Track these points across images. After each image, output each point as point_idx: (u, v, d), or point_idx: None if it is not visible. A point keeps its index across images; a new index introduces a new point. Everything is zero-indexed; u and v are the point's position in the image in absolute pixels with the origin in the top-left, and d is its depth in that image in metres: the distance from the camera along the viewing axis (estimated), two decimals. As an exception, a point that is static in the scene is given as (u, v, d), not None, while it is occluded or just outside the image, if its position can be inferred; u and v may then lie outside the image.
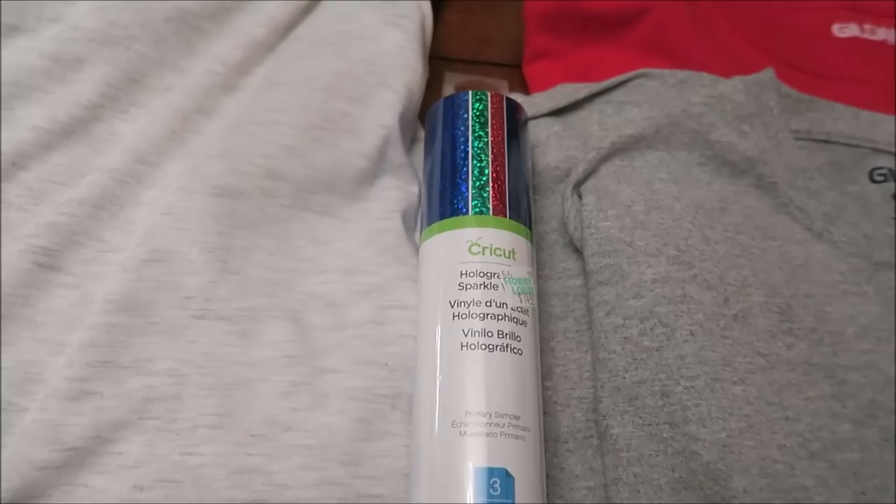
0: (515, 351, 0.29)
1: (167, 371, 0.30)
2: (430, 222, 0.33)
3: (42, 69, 0.35)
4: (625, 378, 0.33)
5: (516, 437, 0.28)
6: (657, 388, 0.33)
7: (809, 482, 0.32)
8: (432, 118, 0.37)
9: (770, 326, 0.35)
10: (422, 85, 0.41)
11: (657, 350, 0.33)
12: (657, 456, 0.32)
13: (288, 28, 0.41)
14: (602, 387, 0.33)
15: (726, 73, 0.42)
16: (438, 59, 0.45)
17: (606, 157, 0.39)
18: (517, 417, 0.28)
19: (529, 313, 0.31)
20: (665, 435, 0.32)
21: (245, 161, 0.34)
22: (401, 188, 0.38)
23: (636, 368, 0.33)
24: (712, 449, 0.31)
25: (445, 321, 0.30)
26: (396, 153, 0.38)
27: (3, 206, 0.33)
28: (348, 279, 0.34)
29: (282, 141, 0.35)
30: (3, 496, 0.27)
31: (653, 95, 0.42)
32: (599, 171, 0.38)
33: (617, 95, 0.42)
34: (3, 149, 0.33)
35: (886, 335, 0.35)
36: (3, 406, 0.29)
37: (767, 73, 0.41)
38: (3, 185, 0.33)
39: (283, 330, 0.32)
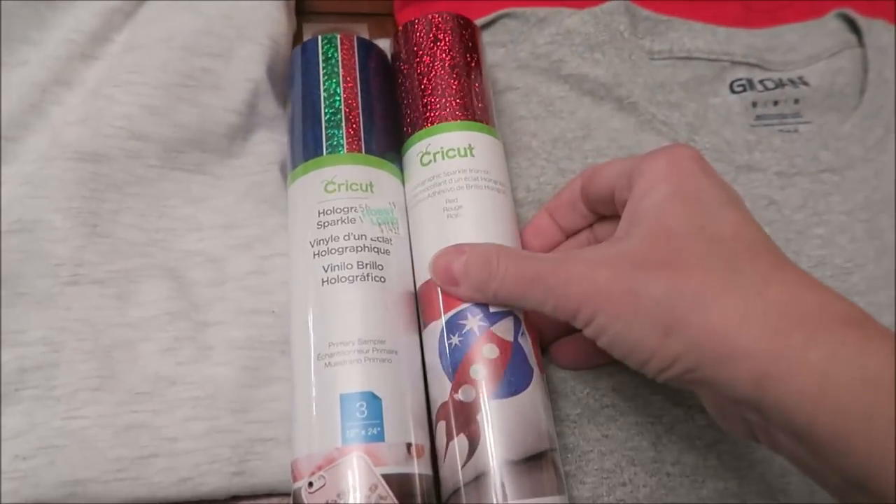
0: (377, 279, 0.30)
1: (41, 340, 0.30)
2: (292, 167, 0.34)
3: None
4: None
5: (382, 360, 0.28)
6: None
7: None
8: (290, 67, 0.37)
9: None
10: (288, 37, 0.40)
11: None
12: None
13: None
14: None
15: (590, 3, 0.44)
16: (310, 13, 0.46)
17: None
18: (382, 341, 0.29)
19: (393, 242, 0.31)
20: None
21: (105, 124, 0.34)
22: (276, 140, 0.38)
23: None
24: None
25: (307, 261, 0.31)
26: (268, 106, 0.38)
27: None
28: (226, 234, 0.34)
29: (142, 101, 0.34)
30: None
31: (516, 34, 0.44)
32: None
33: (484, 35, 0.44)
34: None
35: None
36: None
37: (618, 1, 0.42)
38: None
39: (162, 288, 0.32)
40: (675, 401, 0.33)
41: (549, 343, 0.33)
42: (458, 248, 0.30)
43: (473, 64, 0.36)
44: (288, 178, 0.34)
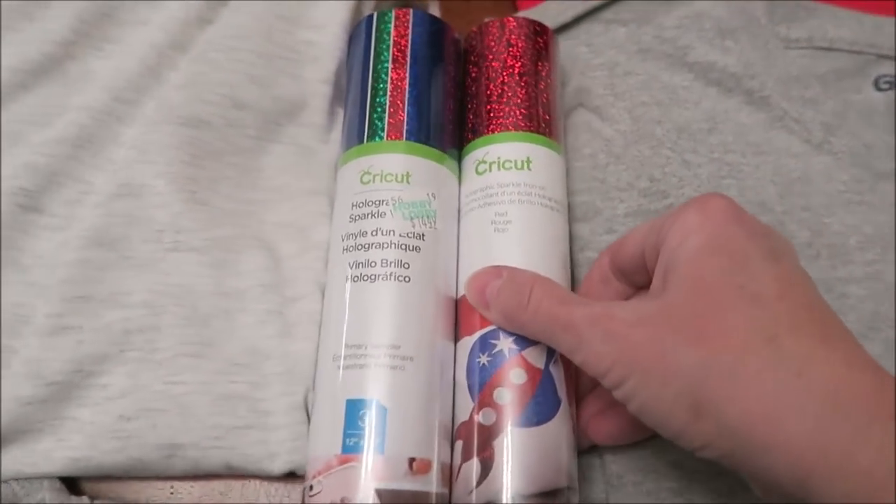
0: (402, 279, 0.29)
1: (143, 303, 0.30)
2: (341, 153, 0.33)
3: (10, 7, 0.34)
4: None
5: (393, 367, 0.27)
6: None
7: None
8: (351, 42, 0.35)
9: None
10: (373, 7, 0.39)
11: (631, 284, 0.33)
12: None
13: None
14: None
15: None
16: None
17: (587, 89, 0.38)
18: (396, 347, 0.27)
19: (427, 237, 0.30)
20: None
21: (208, 90, 0.34)
22: None
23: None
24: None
25: (338, 255, 0.30)
26: (343, 79, 0.36)
27: None
28: (314, 201, 0.34)
29: (245, 69, 0.34)
30: None
31: (640, 13, 0.40)
32: (583, 103, 0.38)
33: (605, 13, 0.40)
34: None
35: (891, 244, 0.34)
36: None
37: None
38: None
39: (257, 259, 0.32)
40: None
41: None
42: (496, 271, 0.28)
43: (544, 73, 0.34)
44: (338, 161, 0.33)
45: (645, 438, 0.30)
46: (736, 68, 0.37)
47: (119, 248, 0.31)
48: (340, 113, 0.37)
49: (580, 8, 0.40)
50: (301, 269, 0.33)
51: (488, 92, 0.33)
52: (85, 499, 0.29)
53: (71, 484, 0.30)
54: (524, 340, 0.29)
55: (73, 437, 0.29)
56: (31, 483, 0.29)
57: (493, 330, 0.29)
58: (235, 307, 0.32)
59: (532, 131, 0.32)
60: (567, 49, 0.39)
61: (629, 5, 0.40)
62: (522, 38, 0.34)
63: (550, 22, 0.37)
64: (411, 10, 0.34)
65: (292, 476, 0.31)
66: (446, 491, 0.27)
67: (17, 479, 0.29)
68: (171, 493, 0.31)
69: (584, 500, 0.30)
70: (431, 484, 0.27)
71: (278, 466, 0.30)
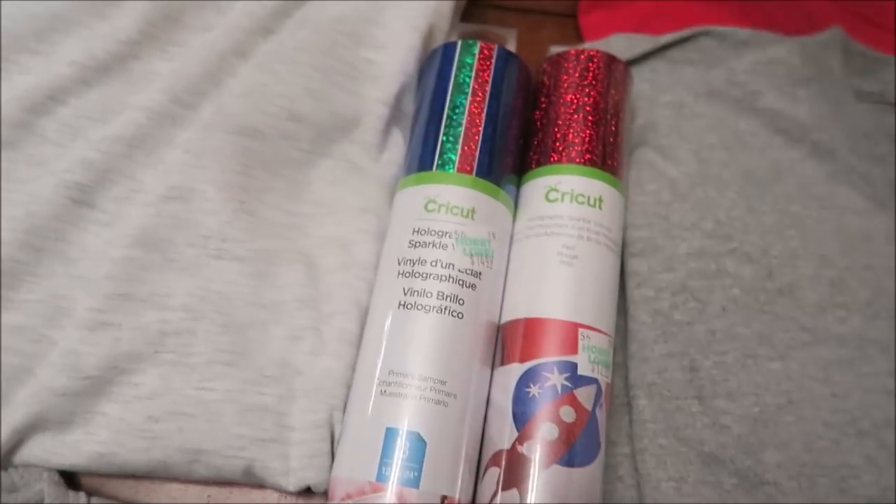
0: (455, 314, 0.28)
1: (182, 306, 0.30)
2: (404, 174, 0.33)
3: (84, 3, 0.34)
4: (653, 350, 0.32)
5: (437, 402, 0.27)
6: (686, 362, 0.32)
7: (857, 460, 0.31)
8: (425, 65, 0.36)
9: (819, 300, 0.34)
10: (446, 33, 0.39)
11: (688, 324, 0.32)
12: (685, 429, 0.31)
13: None
14: (631, 357, 0.33)
15: (796, 29, 0.39)
16: (491, 6, 0.44)
17: (653, 127, 0.38)
18: (442, 382, 0.27)
19: (483, 276, 0.30)
20: (693, 409, 0.31)
21: (267, 101, 0.34)
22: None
23: (665, 341, 0.32)
24: (743, 423, 0.31)
25: (391, 278, 0.30)
26: (408, 102, 0.37)
27: (40, 140, 0.32)
28: (360, 218, 0.34)
29: (304, 83, 0.35)
30: (23, 421, 0.28)
31: (709, 54, 0.39)
32: (647, 141, 0.38)
33: (672, 52, 0.40)
34: (42, 83, 0.33)
35: None
36: (36, 338, 0.30)
37: (834, 32, 0.39)
38: (40, 119, 0.33)
39: (297, 274, 0.32)
40: (840, 487, 0.30)
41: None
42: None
43: (618, 109, 0.34)
44: (399, 184, 0.33)
45: None
46: (805, 119, 0.36)
47: (164, 250, 0.31)
48: (395, 133, 0.36)
49: (649, 45, 0.39)
50: (340, 286, 0.33)
51: (561, 122, 0.33)
52: (82, 495, 0.28)
53: (70, 480, 0.30)
54: (578, 378, 0.28)
55: (101, 432, 0.29)
56: (31, 473, 0.28)
57: (547, 363, 0.28)
58: (271, 319, 0.32)
59: (605, 170, 0.32)
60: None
61: (698, 46, 0.40)
62: (600, 71, 0.34)
63: (619, 56, 0.37)
64: (496, 46, 0.34)
65: (307, 491, 0.30)
66: None
67: (17, 468, 0.28)
68: (209, 499, 0.31)
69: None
70: None
71: (293, 483, 0.29)
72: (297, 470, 0.30)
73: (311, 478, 0.29)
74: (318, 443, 0.30)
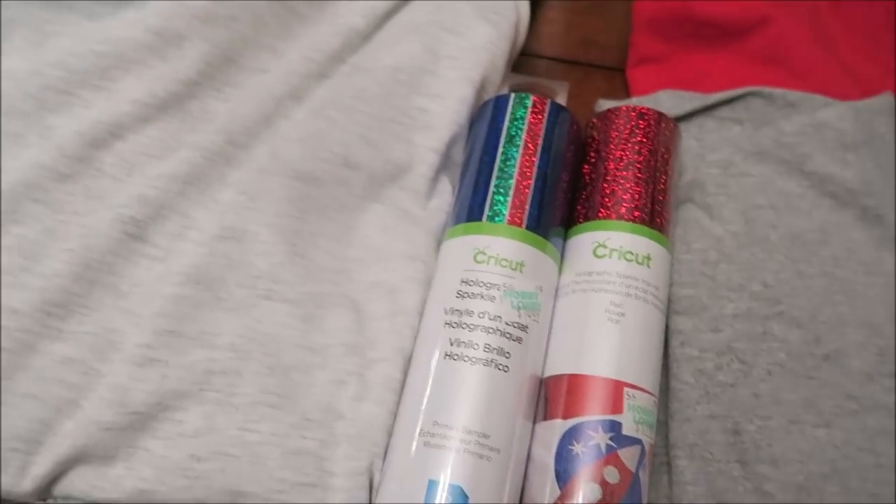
0: (501, 367, 0.29)
1: (230, 346, 0.31)
2: (452, 223, 0.33)
3: (146, 44, 0.35)
4: (696, 410, 0.32)
5: (480, 457, 0.27)
6: (729, 424, 0.32)
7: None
8: (477, 116, 0.36)
9: (867, 368, 0.33)
10: (498, 85, 0.40)
11: (731, 386, 0.32)
12: (726, 493, 0.31)
13: (386, 16, 0.39)
14: (672, 417, 0.32)
15: (845, 94, 0.39)
16: (540, 58, 0.45)
17: (700, 185, 0.38)
18: (486, 436, 0.27)
19: (529, 330, 0.30)
20: (735, 473, 0.31)
21: (324, 147, 0.34)
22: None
23: (708, 402, 0.32)
24: (787, 490, 0.30)
25: (437, 327, 0.30)
26: (458, 152, 0.37)
27: (98, 174, 0.33)
28: (408, 265, 0.34)
29: (360, 131, 0.35)
30: (68, 453, 0.28)
31: (758, 115, 0.39)
32: (694, 198, 0.38)
33: (721, 110, 0.40)
34: (102, 118, 0.33)
35: None
36: (85, 371, 0.30)
37: (885, 98, 0.39)
38: (99, 153, 0.33)
39: (344, 319, 0.33)
40: None
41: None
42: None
43: (667, 167, 0.34)
44: (446, 232, 0.33)
45: None
46: (853, 184, 0.36)
47: (215, 290, 0.32)
48: (443, 181, 0.37)
49: (699, 103, 0.40)
50: (386, 333, 0.33)
51: (610, 177, 0.33)
52: None
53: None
54: (622, 438, 0.28)
55: (144, 469, 0.29)
56: None
57: (591, 421, 0.28)
58: (317, 363, 0.32)
59: (653, 227, 0.32)
60: (679, 142, 0.39)
61: (746, 105, 0.40)
62: (650, 128, 0.34)
63: (667, 113, 0.37)
64: (549, 100, 0.35)
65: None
66: None
67: (56, 499, 0.29)
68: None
69: None
70: None
71: None
72: None
73: None
74: (358, 490, 0.30)
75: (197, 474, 0.29)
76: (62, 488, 0.29)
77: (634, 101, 0.40)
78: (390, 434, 0.30)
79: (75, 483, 0.29)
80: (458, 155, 0.37)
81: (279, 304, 0.32)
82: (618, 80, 0.45)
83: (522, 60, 0.44)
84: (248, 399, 0.30)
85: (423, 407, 0.29)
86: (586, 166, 0.35)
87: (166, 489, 0.29)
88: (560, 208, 0.33)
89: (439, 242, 0.34)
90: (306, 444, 0.30)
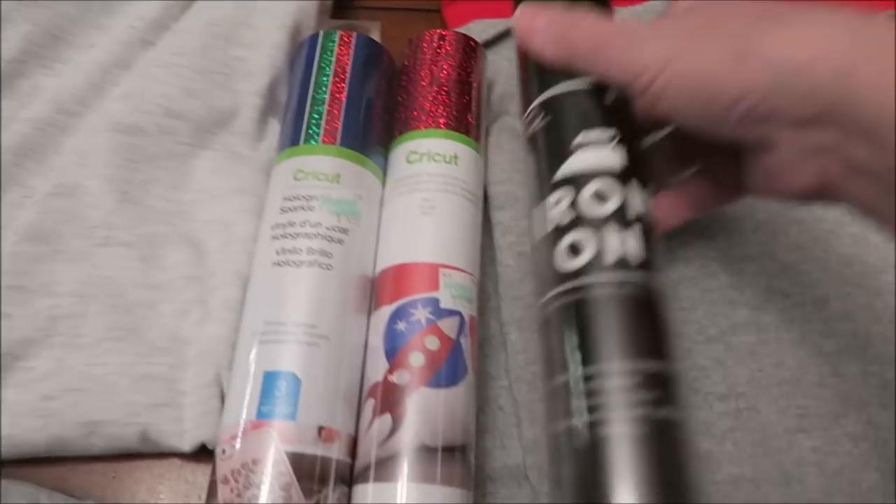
0: (324, 266, 0.31)
1: (71, 292, 0.33)
2: (277, 153, 0.36)
3: None
4: (520, 289, 0.35)
5: (310, 344, 0.29)
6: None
7: (706, 363, 0.34)
8: (294, 59, 0.39)
9: None
10: (313, 30, 0.43)
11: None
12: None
13: None
14: (502, 298, 0.36)
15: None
16: (361, 8, 0.48)
17: (511, 96, 0.41)
18: (314, 326, 0.30)
19: (350, 233, 0.32)
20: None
21: (145, 101, 0.36)
22: None
23: (531, 281, 0.35)
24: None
25: (266, 243, 0.32)
26: (283, 93, 0.40)
27: None
28: (240, 199, 0.36)
29: (181, 83, 0.37)
30: None
31: None
32: (508, 110, 0.41)
33: None
34: None
35: None
36: None
37: None
38: None
39: (182, 254, 0.35)
40: (693, 387, 0.33)
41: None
42: (545, 3, 0.30)
43: (474, 83, 0.38)
44: (274, 162, 0.36)
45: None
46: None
47: (52, 243, 0.34)
48: (272, 123, 0.40)
49: (502, 26, 0.43)
50: (223, 261, 0.35)
51: (421, 94, 0.36)
52: None
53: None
54: (441, 311, 0.31)
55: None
56: None
57: (412, 300, 0.31)
58: (159, 298, 0.34)
59: (460, 132, 0.36)
60: (491, 63, 0.43)
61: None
62: (454, 49, 0.38)
63: (477, 38, 0.41)
64: (354, 34, 0.38)
65: (205, 452, 0.32)
66: (349, 461, 0.30)
67: None
68: (114, 478, 0.33)
69: (502, 465, 0.33)
70: (337, 451, 0.29)
71: (188, 442, 0.32)
72: (190, 430, 0.32)
73: (205, 434, 0.31)
74: (209, 401, 0.32)
75: (50, 412, 0.31)
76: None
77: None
78: (234, 347, 0.33)
79: None
80: (284, 97, 0.40)
81: (116, 248, 0.34)
82: (437, 20, 0.48)
83: (345, 11, 0.47)
84: (93, 338, 0.32)
85: (257, 312, 0.31)
86: (400, 90, 0.38)
87: (21, 432, 0.30)
88: (376, 129, 0.36)
89: (269, 174, 0.37)
90: (155, 370, 0.32)
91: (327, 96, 0.35)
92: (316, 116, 0.35)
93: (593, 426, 0.24)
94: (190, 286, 0.35)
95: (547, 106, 0.31)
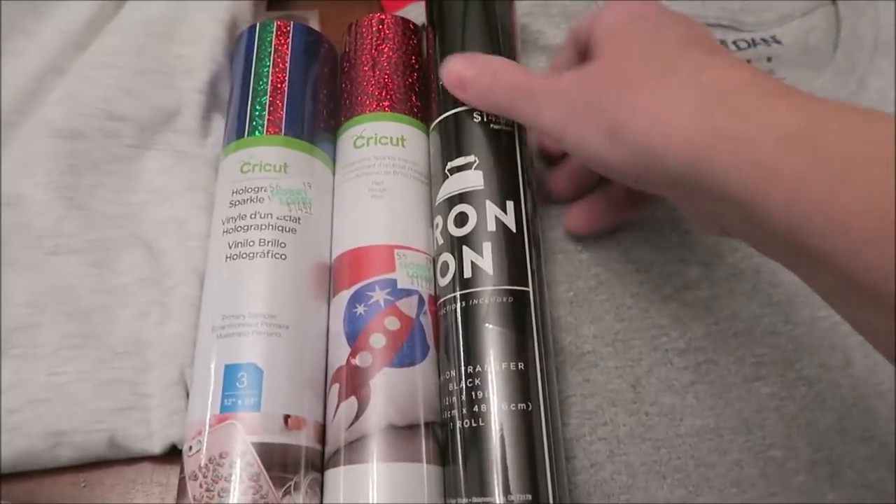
0: (278, 256, 0.31)
1: (25, 303, 0.32)
2: (223, 147, 0.35)
3: None
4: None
5: (270, 335, 0.29)
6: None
7: (664, 321, 0.35)
8: (233, 53, 0.39)
9: None
10: (249, 22, 0.42)
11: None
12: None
13: None
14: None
15: None
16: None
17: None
18: (272, 316, 0.30)
19: (302, 221, 0.32)
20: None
21: (83, 104, 0.36)
22: None
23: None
24: (560, 307, 0.35)
25: (218, 237, 0.32)
26: (225, 88, 0.40)
27: None
28: (191, 195, 0.36)
29: (120, 84, 0.37)
30: None
31: None
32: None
33: None
34: None
35: None
36: None
37: None
38: None
39: (136, 256, 0.35)
40: (653, 345, 0.34)
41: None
42: (471, 58, 0.32)
43: (416, 64, 0.38)
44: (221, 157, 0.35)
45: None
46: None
47: (0, 255, 0.33)
48: (217, 119, 0.39)
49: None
50: (179, 259, 0.35)
51: (364, 79, 0.36)
52: None
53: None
54: (399, 292, 0.31)
55: None
56: None
57: (369, 283, 0.31)
58: (116, 302, 0.34)
59: (405, 113, 0.36)
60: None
61: None
62: (394, 32, 0.38)
63: (415, 21, 0.41)
64: (292, 22, 0.37)
65: (175, 452, 0.32)
66: (318, 447, 0.30)
67: None
68: (84, 486, 0.33)
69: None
70: (305, 439, 0.29)
71: (158, 444, 0.32)
72: (158, 431, 0.31)
73: (174, 435, 0.31)
74: (175, 400, 0.32)
75: (12, 426, 0.30)
76: None
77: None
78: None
79: None
80: (226, 92, 0.40)
81: (67, 255, 0.34)
82: (377, 8, 0.48)
83: (284, 4, 0.47)
84: (50, 347, 0.32)
85: (215, 307, 0.31)
86: (343, 76, 0.38)
87: None
88: (321, 116, 0.36)
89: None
90: (118, 374, 0.32)
91: (269, 87, 0.35)
92: (259, 108, 0.35)
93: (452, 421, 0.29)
94: (147, 288, 0.34)
95: (437, 127, 0.34)
